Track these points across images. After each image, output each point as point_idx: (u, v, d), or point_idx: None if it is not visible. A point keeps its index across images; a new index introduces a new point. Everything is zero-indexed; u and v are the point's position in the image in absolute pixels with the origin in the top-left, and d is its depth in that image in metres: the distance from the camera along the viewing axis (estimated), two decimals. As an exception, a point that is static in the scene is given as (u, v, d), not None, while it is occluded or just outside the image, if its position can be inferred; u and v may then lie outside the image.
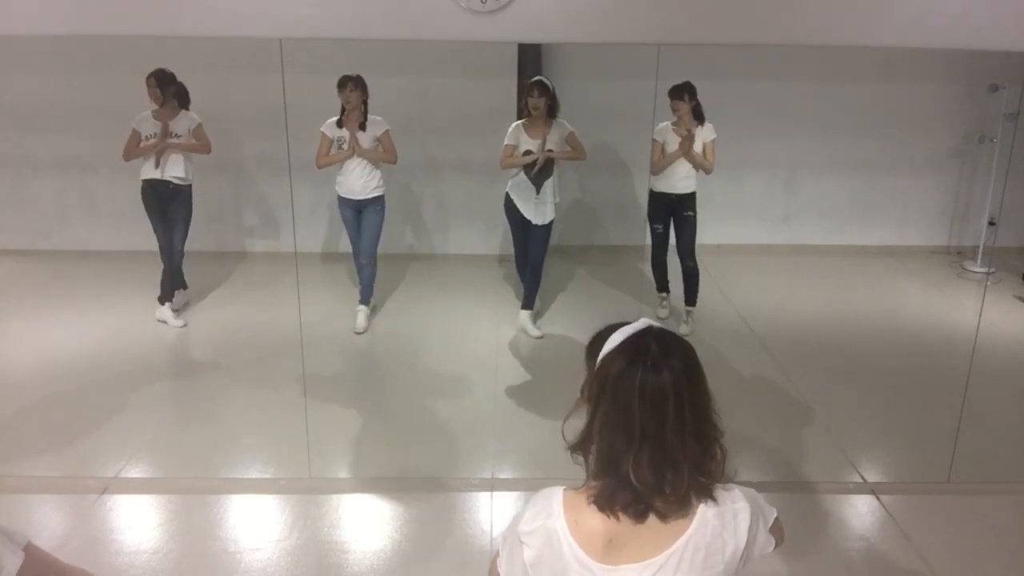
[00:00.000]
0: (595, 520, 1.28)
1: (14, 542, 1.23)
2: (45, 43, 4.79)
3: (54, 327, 4.93)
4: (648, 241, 5.06)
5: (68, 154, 5.56)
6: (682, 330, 4.83)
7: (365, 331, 4.97)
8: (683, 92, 4.69)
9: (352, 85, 4.66)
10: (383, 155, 4.85)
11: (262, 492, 3.39)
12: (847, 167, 5.99)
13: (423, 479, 3.48)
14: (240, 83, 5.23)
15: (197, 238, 5.14)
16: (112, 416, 3.93)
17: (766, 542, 1.37)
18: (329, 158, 4.79)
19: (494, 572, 1.41)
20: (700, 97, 4.77)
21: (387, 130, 4.84)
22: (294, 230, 4.51)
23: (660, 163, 4.82)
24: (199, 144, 4.85)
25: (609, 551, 1.28)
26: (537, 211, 4.79)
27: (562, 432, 1.37)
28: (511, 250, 5.13)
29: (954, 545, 3.08)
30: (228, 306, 5.26)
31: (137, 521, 3.19)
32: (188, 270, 5.09)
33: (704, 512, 1.28)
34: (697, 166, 4.80)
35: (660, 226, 4.98)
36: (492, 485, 3.43)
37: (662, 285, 5.14)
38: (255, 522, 3.20)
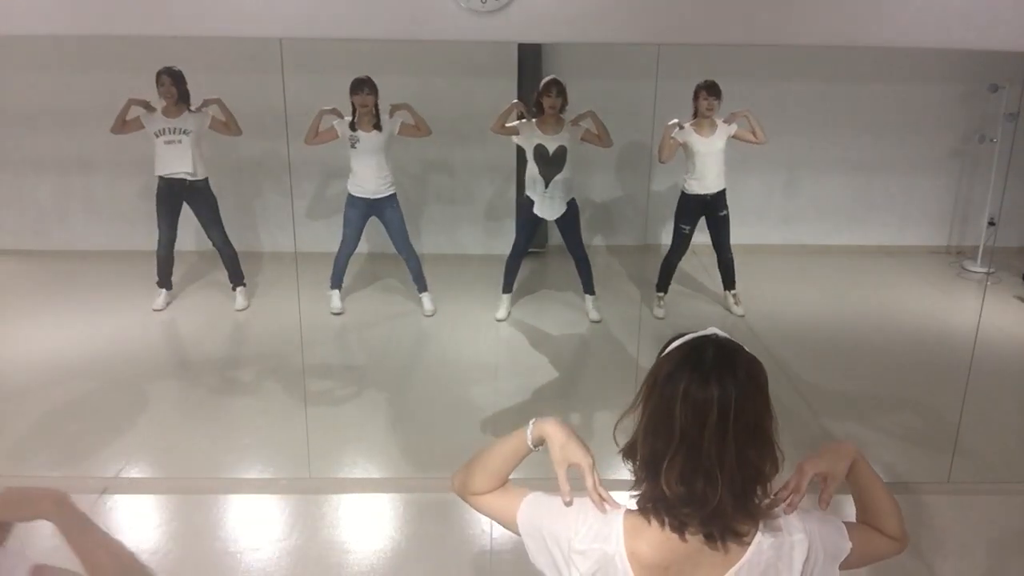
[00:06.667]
0: (652, 548, 1.24)
1: None
2: (45, 43, 4.78)
3: (54, 327, 4.92)
4: (648, 241, 5.06)
5: (68, 154, 5.55)
6: (737, 311, 5.10)
7: (434, 314, 5.11)
8: (719, 89, 4.74)
9: (368, 89, 4.68)
10: (416, 131, 4.83)
11: (262, 492, 3.39)
12: (847, 167, 5.98)
13: (423, 479, 3.48)
14: (240, 83, 5.22)
15: (197, 237, 5.13)
16: (112, 416, 3.93)
17: None
18: (319, 137, 4.75)
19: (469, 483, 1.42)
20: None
21: (402, 122, 4.83)
22: (294, 230, 4.50)
23: (670, 158, 4.85)
24: (229, 124, 4.77)
25: None
26: (545, 206, 4.86)
27: (613, 436, 1.33)
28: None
29: (954, 545, 3.08)
30: (227, 306, 5.25)
31: (137, 521, 3.20)
32: (186, 269, 5.08)
33: (760, 542, 1.25)
34: (759, 143, 4.90)
35: (688, 227, 5.04)
36: (492, 485, 3.43)
37: (664, 286, 5.14)
38: (255, 522, 3.20)
